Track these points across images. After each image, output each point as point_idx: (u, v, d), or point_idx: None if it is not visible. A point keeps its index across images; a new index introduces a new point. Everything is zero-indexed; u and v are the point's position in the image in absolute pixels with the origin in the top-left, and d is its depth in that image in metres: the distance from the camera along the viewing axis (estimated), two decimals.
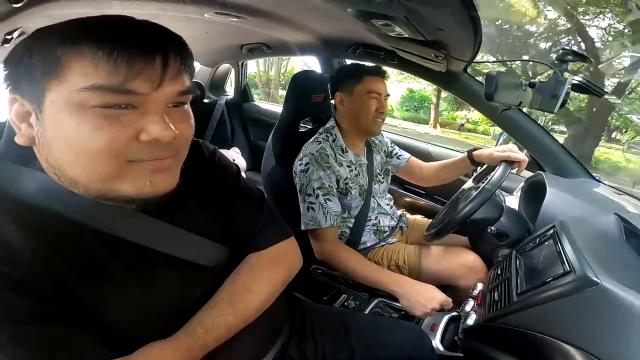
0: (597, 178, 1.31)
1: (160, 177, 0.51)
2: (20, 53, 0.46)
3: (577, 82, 0.93)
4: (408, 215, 1.62)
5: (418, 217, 1.63)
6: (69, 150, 0.46)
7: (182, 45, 0.51)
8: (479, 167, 1.37)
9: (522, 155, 1.17)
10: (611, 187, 1.26)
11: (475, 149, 1.34)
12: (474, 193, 1.08)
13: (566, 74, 0.88)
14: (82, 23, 0.45)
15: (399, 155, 1.57)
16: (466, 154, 1.37)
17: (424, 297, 1.07)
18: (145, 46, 0.45)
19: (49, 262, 0.47)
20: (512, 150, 1.19)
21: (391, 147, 1.57)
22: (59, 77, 0.44)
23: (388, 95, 1.34)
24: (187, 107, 0.55)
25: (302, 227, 1.25)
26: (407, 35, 0.93)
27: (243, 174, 2.36)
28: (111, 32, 0.44)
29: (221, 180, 0.71)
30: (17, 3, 0.68)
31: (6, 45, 0.98)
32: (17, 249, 0.45)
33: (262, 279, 0.68)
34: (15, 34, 0.97)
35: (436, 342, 1.04)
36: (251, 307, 0.64)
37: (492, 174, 1.11)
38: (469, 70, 1.38)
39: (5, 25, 0.89)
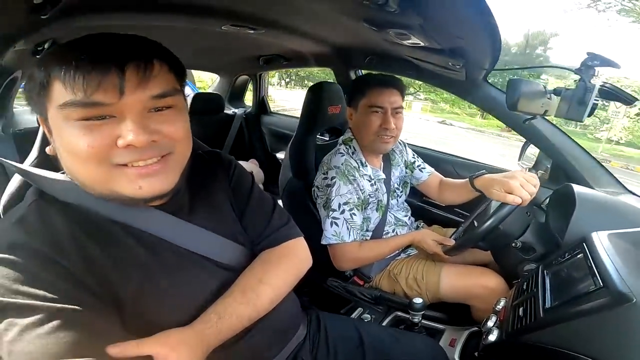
0: (629, 189, 1.25)
1: (149, 181, 0.55)
2: (28, 80, 0.54)
3: (604, 87, 0.88)
4: (425, 226, 1.58)
5: (436, 227, 1.59)
6: (69, 158, 0.53)
7: (150, 52, 0.54)
8: None
9: (518, 195, 0.97)
10: None
11: (478, 175, 1.21)
12: (497, 205, 1.04)
13: (594, 80, 0.84)
14: (57, 49, 0.52)
15: (422, 168, 1.52)
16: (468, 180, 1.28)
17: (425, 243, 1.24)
18: (99, 60, 0.49)
19: (89, 252, 0.54)
20: (510, 186, 0.99)
21: (413, 158, 1.52)
22: (48, 97, 0.51)
23: (400, 108, 1.26)
24: (177, 108, 0.58)
25: (323, 242, 1.22)
26: (423, 44, 0.92)
27: (261, 186, 2.40)
28: (73, 53, 0.49)
29: (237, 186, 0.78)
30: (43, 15, 0.71)
31: (37, 56, 1.03)
32: (64, 238, 0.53)
33: (273, 272, 0.72)
34: (46, 45, 1.02)
35: (455, 358, 1.03)
36: (263, 297, 0.68)
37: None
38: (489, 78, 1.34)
39: (35, 37, 0.93)
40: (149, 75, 0.52)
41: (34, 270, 0.48)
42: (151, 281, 0.58)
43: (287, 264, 0.76)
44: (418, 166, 1.52)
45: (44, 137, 0.66)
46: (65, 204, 0.57)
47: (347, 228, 1.20)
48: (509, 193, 0.98)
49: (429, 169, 1.53)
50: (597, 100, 0.84)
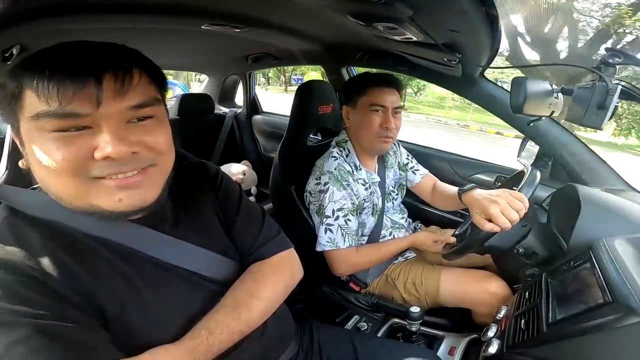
0: (636, 188, 1.19)
1: (129, 193, 0.53)
2: (1, 89, 0.52)
3: (622, 87, 0.78)
4: (423, 227, 1.55)
5: (434, 227, 1.55)
6: (44, 172, 0.51)
7: (129, 61, 0.53)
8: (502, 179, 1.27)
9: (497, 224, 0.90)
10: None
11: (465, 190, 1.09)
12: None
13: (614, 80, 0.74)
14: (29, 57, 0.50)
15: (415, 170, 1.48)
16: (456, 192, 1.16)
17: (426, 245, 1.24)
18: (74, 70, 0.47)
19: (67, 266, 0.52)
20: (489, 212, 0.91)
21: (407, 159, 1.49)
22: (20, 108, 0.50)
23: (399, 108, 1.24)
24: (158, 118, 0.57)
25: (318, 249, 1.20)
26: (415, 39, 0.86)
27: (254, 188, 2.35)
28: (45, 62, 0.48)
29: (224, 197, 0.77)
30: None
31: (8, 62, 0.98)
32: (40, 254, 0.51)
33: (264, 285, 0.71)
34: (14, 51, 0.97)
35: None
36: (254, 311, 0.67)
37: (521, 183, 0.99)
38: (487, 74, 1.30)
39: (1, 43, 0.89)
40: (127, 85, 0.51)
41: (14, 287, 0.47)
42: (135, 293, 0.57)
43: (278, 277, 0.75)
44: (411, 168, 1.48)
45: (14, 149, 0.64)
46: (37, 219, 0.55)
47: (342, 234, 1.17)
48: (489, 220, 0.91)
49: (422, 170, 1.49)
50: (618, 103, 0.74)
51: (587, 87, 0.76)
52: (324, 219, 1.18)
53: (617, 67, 0.75)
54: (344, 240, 1.17)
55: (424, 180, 1.48)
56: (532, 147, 1.36)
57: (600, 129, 0.78)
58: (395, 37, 0.89)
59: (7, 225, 0.53)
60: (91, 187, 0.52)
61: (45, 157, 0.49)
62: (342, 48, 1.60)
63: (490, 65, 1.06)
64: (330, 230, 1.17)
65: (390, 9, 0.64)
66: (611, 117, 0.75)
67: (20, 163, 0.56)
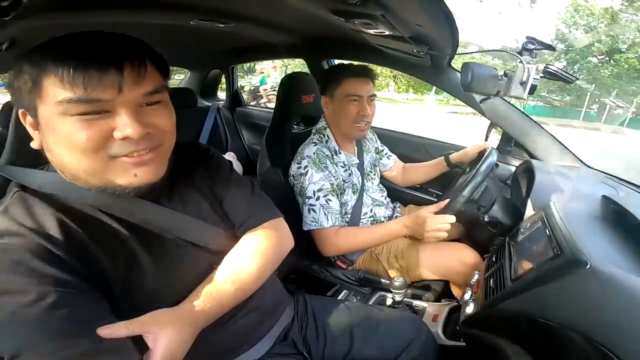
0: (586, 163, 1.32)
1: (143, 169, 0.59)
2: (15, 75, 0.54)
3: (549, 69, 0.97)
4: (402, 207, 1.64)
5: (412, 206, 1.65)
6: (65, 151, 0.55)
7: (143, 52, 0.57)
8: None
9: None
10: (599, 171, 1.27)
11: (451, 152, 1.47)
12: (469, 177, 1.10)
13: (533, 61, 0.91)
14: (49, 46, 0.53)
15: (389, 156, 1.64)
16: (442, 157, 1.53)
17: (420, 232, 1.18)
18: (99, 59, 0.52)
19: (73, 235, 0.56)
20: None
21: (381, 147, 1.63)
22: (40, 95, 0.53)
23: (373, 96, 1.33)
24: (164, 103, 0.62)
25: (304, 228, 1.26)
26: (387, 33, 0.94)
27: None
28: (69, 51, 0.51)
29: (216, 172, 0.80)
30: (6, 16, 0.69)
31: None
32: (49, 226, 0.54)
33: (255, 250, 0.75)
34: (4, 46, 0.99)
35: (438, 332, 1.06)
36: (248, 275, 0.71)
37: (484, 158, 1.12)
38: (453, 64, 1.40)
39: None
40: (143, 73, 0.56)
41: (22, 256, 0.50)
42: (138, 263, 0.61)
43: (269, 243, 0.78)
44: (385, 154, 1.63)
45: (19, 133, 0.68)
46: (47, 195, 0.59)
47: (325, 213, 1.23)
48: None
49: (393, 156, 1.66)
50: (537, 81, 0.91)
51: (515, 70, 0.94)
52: (307, 200, 1.25)
53: (534, 51, 0.92)
54: (327, 219, 1.23)
55: (397, 164, 1.65)
56: (497, 131, 1.48)
57: (523, 99, 0.96)
58: (370, 31, 0.97)
59: (18, 199, 0.57)
60: (109, 164, 0.56)
61: (70, 137, 0.53)
62: (322, 41, 1.66)
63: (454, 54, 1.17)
64: (314, 210, 1.24)
65: (366, 8, 0.72)
66: (532, 91, 0.92)
67: (32, 144, 0.59)
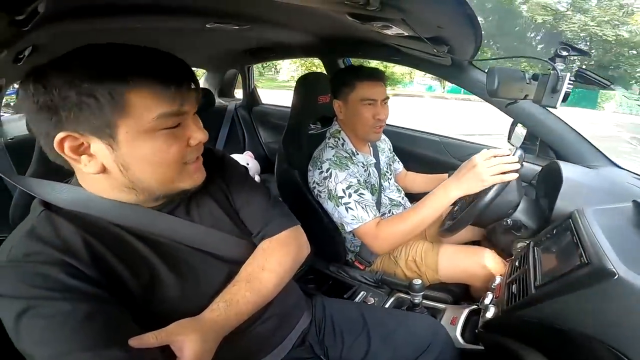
0: (615, 163, 1.26)
1: (200, 172, 0.67)
2: (77, 95, 0.51)
3: (580, 73, 0.92)
4: None
5: None
6: (147, 165, 0.58)
7: (190, 68, 0.62)
8: None
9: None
10: (631, 172, 1.21)
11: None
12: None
13: (565, 68, 0.87)
14: (130, 62, 0.54)
15: (398, 161, 1.66)
16: (447, 174, 1.23)
17: (475, 179, 1.00)
18: (179, 76, 0.57)
19: (97, 252, 0.58)
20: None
21: (391, 152, 1.65)
22: (127, 113, 0.53)
23: (387, 98, 1.31)
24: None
25: (348, 229, 1.21)
26: (406, 34, 0.93)
27: (257, 177, 2.42)
28: (156, 69, 0.55)
29: (231, 180, 0.81)
30: (25, 27, 0.71)
31: (19, 64, 1.03)
32: (74, 244, 0.56)
33: (274, 259, 0.76)
34: (26, 52, 1.01)
35: (457, 336, 1.04)
36: (267, 283, 0.72)
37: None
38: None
39: (17, 47, 0.93)
40: (193, 86, 0.61)
41: (50, 273, 0.52)
42: (159, 277, 0.63)
43: (287, 251, 0.79)
44: (396, 159, 1.65)
45: (40, 151, 0.67)
46: (71, 212, 0.60)
47: (362, 207, 1.18)
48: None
49: (400, 162, 1.70)
50: (570, 87, 0.86)
51: (546, 75, 0.88)
52: (339, 200, 1.20)
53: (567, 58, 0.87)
54: (367, 213, 1.17)
55: (402, 170, 1.69)
56: (521, 130, 1.44)
57: (555, 108, 0.90)
58: (389, 32, 0.96)
59: (44, 219, 0.58)
60: (181, 171, 0.62)
61: (159, 152, 0.57)
62: (338, 41, 1.64)
63: (475, 58, 1.14)
64: (350, 208, 1.19)
65: (385, 13, 0.72)
66: (565, 98, 0.87)
67: (84, 169, 0.57)
